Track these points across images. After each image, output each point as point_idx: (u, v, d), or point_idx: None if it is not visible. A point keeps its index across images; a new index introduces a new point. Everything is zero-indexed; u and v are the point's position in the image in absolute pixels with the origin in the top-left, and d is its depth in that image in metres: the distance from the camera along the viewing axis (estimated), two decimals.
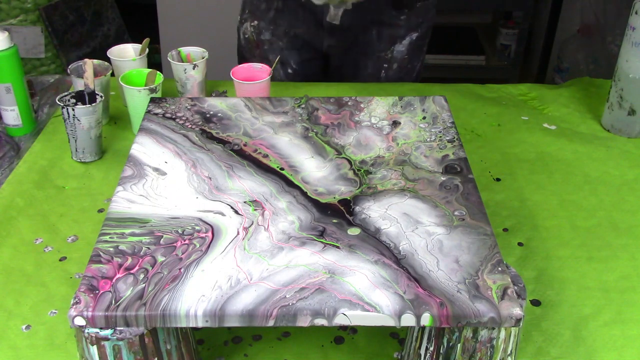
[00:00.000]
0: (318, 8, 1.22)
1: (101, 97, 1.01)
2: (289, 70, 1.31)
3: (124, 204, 0.72)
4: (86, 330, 0.60)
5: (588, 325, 0.77)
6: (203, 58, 1.13)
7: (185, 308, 0.60)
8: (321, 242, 0.67)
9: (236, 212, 0.71)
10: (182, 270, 0.64)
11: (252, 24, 1.28)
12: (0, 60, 1.03)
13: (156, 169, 0.78)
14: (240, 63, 1.29)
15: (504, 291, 0.62)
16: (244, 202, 0.73)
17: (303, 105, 0.91)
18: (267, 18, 1.26)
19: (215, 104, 0.91)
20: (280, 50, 1.28)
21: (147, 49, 1.16)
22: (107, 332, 0.60)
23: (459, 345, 0.63)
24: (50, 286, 0.80)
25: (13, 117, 1.08)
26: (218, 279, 0.63)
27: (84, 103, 1.01)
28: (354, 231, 0.69)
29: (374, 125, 0.87)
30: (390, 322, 0.60)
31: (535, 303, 0.79)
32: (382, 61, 1.29)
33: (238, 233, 0.68)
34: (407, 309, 0.60)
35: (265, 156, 0.81)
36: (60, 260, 0.84)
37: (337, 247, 0.67)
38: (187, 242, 0.67)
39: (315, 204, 0.73)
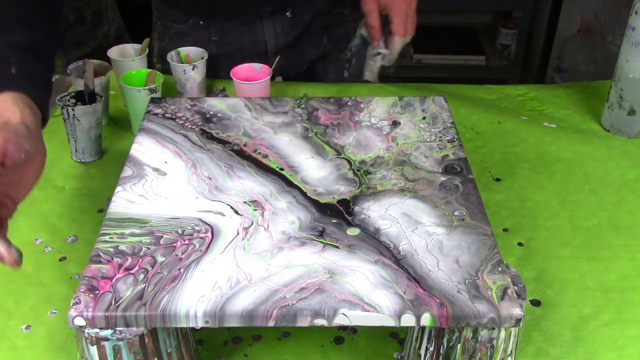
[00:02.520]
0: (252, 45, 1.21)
1: (101, 97, 1.01)
2: None
3: (124, 204, 0.72)
4: (86, 331, 0.60)
5: (588, 325, 0.77)
6: (202, 59, 1.13)
7: (185, 308, 0.60)
8: (321, 242, 0.67)
9: (236, 212, 0.71)
10: (181, 270, 0.64)
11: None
12: None
13: (156, 169, 0.78)
14: None
15: (504, 291, 0.62)
16: (244, 202, 0.73)
17: (303, 105, 0.91)
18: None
19: (215, 104, 0.91)
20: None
21: (147, 49, 1.16)
22: (107, 333, 0.60)
23: (459, 345, 0.63)
24: (50, 286, 0.80)
25: None
26: (218, 279, 0.63)
27: (84, 103, 1.01)
28: (353, 231, 0.69)
29: (374, 126, 0.87)
30: (390, 323, 0.60)
31: (535, 303, 0.79)
32: (343, 62, 1.26)
33: (238, 233, 0.68)
34: (407, 309, 0.60)
35: (265, 156, 0.81)
36: (60, 260, 0.84)
37: (337, 247, 0.67)
38: (187, 242, 0.67)
39: (315, 204, 0.73)
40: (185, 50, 1.15)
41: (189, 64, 1.11)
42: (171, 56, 1.13)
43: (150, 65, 1.17)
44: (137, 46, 1.17)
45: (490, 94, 1.24)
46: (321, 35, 1.24)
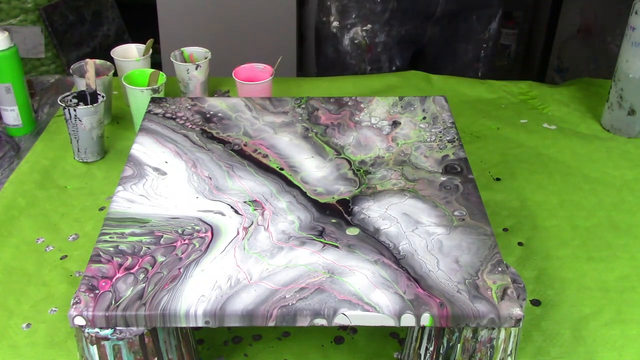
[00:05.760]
0: (427, 2, 1.26)
1: (103, 97, 1.01)
2: (394, 68, 1.34)
3: (124, 204, 0.72)
4: (86, 330, 0.60)
5: (588, 325, 0.77)
6: (206, 58, 1.13)
7: (185, 308, 0.60)
8: (321, 241, 0.67)
9: (236, 212, 0.72)
10: (181, 270, 0.64)
11: (365, 28, 1.26)
12: (0, 60, 1.03)
13: (156, 169, 0.78)
14: (341, 71, 1.31)
15: (504, 291, 0.62)
16: (244, 202, 0.73)
17: (303, 105, 0.91)
18: (382, 20, 1.26)
19: (215, 104, 0.91)
20: (389, 49, 1.30)
21: (151, 50, 1.16)
22: (107, 332, 0.60)
23: (458, 345, 0.63)
24: (51, 284, 0.80)
25: (13, 117, 1.08)
26: (218, 279, 0.63)
27: (85, 103, 1.01)
28: (352, 231, 0.69)
29: (374, 126, 0.87)
30: (390, 322, 0.60)
31: (535, 303, 0.79)
32: (482, 42, 1.35)
33: (238, 233, 0.68)
34: (407, 309, 0.60)
35: (265, 156, 0.81)
36: (61, 258, 0.84)
37: (337, 247, 0.67)
38: (187, 242, 0.67)
39: (315, 204, 0.73)
40: (188, 50, 1.15)
41: (193, 63, 1.11)
42: (175, 55, 1.13)
43: (150, 65, 1.17)
44: (140, 46, 1.17)
45: (491, 92, 1.24)
46: (472, 12, 1.31)
